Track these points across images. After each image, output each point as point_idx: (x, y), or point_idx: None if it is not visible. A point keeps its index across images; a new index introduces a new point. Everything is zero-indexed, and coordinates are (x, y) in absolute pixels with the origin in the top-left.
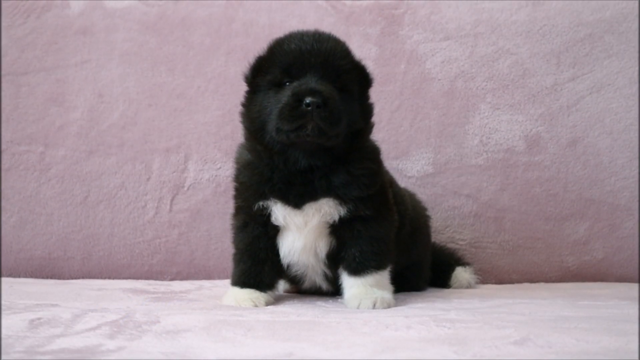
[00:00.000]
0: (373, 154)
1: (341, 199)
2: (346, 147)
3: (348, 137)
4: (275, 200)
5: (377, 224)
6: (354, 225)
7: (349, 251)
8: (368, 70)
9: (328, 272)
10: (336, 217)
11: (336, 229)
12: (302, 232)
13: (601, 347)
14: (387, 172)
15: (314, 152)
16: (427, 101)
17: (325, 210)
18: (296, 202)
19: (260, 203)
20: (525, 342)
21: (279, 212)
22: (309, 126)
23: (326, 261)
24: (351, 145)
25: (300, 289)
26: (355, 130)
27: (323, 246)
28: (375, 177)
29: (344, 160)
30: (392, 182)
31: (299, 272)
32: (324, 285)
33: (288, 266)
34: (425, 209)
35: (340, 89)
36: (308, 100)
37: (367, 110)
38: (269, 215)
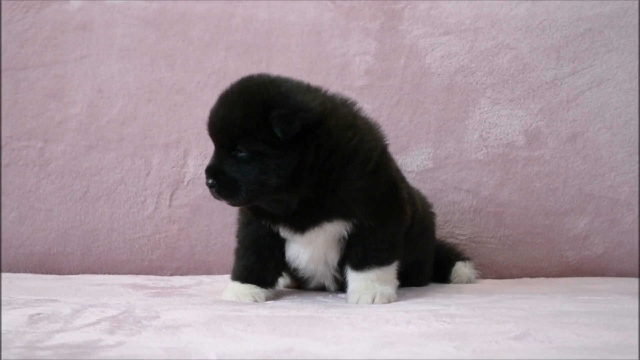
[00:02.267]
0: (357, 172)
1: (343, 220)
2: (302, 191)
3: (292, 186)
4: (278, 225)
5: (383, 229)
6: (362, 232)
7: (352, 249)
8: (276, 125)
9: (338, 276)
10: (345, 234)
11: (346, 238)
12: (307, 247)
13: (601, 342)
14: (398, 170)
15: (268, 204)
16: (426, 96)
17: (330, 231)
18: (297, 227)
19: (265, 222)
20: (525, 337)
21: (283, 233)
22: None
23: (337, 268)
24: (305, 186)
25: (306, 288)
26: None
27: (334, 256)
28: (371, 192)
29: (328, 192)
30: (403, 180)
31: (305, 275)
32: (332, 287)
33: (294, 269)
34: (430, 206)
35: (253, 154)
36: (207, 181)
37: (285, 162)
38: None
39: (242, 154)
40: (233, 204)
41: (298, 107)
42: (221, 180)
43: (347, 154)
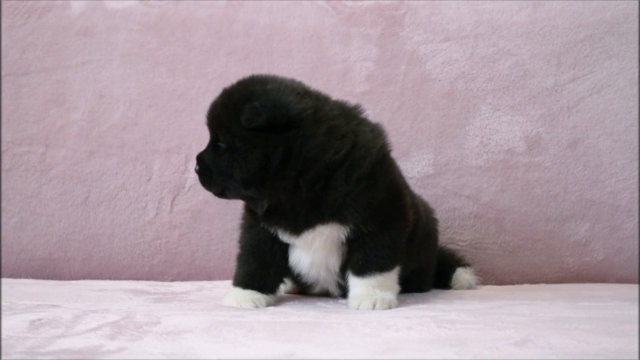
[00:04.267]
0: (342, 179)
1: (339, 224)
2: (272, 194)
3: (259, 185)
4: (275, 227)
5: (382, 235)
6: (361, 237)
7: (354, 255)
8: (242, 114)
9: (342, 281)
10: (343, 238)
11: (345, 243)
12: (308, 252)
13: (602, 348)
14: (401, 177)
15: (245, 200)
16: (427, 102)
17: (326, 235)
18: (293, 229)
19: (263, 223)
20: (525, 343)
21: (281, 235)
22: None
23: (340, 273)
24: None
25: (311, 293)
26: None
27: (335, 261)
28: (365, 198)
29: (318, 197)
30: (406, 187)
31: (309, 281)
32: (336, 292)
33: (298, 275)
34: (432, 212)
35: (228, 146)
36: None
37: (250, 158)
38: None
39: (222, 145)
40: (216, 194)
41: (273, 103)
42: (201, 167)
43: (332, 165)
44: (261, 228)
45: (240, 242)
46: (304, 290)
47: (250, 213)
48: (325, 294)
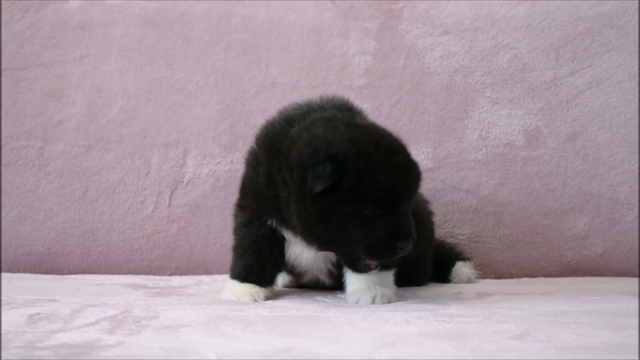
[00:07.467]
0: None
1: None
2: None
3: None
4: (289, 229)
5: None
6: None
7: None
8: None
9: (333, 269)
10: None
11: None
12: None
13: (601, 341)
14: None
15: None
16: (426, 96)
17: None
18: None
19: (268, 219)
20: (524, 337)
21: (286, 233)
22: None
23: (334, 261)
24: None
25: (300, 283)
26: None
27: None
28: None
29: None
30: None
31: (303, 270)
32: (327, 281)
33: (292, 266)
34: (427, 203)
35: None
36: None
37: None
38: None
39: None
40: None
41: None
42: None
43: None
44: (259, 224)
45: (236, 235)
46: (294, 277)
47: (255, 208)
48: (316, 285)
